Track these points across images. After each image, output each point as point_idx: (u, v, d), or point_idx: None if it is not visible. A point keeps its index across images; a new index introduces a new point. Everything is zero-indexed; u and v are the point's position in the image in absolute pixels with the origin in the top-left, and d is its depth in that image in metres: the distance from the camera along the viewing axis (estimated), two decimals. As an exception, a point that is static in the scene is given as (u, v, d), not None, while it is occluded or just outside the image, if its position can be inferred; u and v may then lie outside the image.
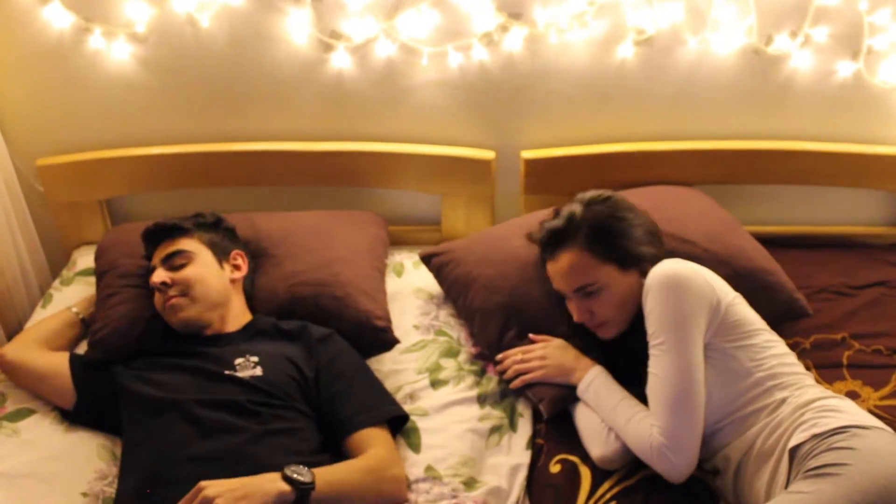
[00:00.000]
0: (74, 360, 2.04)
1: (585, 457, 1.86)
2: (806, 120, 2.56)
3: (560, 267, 1.88)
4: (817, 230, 2.67)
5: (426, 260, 2.34)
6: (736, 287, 1.90)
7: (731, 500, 1.78)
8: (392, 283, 2.41)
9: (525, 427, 2.01)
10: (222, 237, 2.16)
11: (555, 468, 1.85)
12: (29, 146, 2.55)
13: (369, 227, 2.47)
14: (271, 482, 1.63)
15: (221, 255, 2.12)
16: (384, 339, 2.17)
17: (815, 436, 1.62)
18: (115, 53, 2.42)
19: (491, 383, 2.09)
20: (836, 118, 2.56)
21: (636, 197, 2.38)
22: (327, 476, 1.69)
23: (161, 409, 1.84)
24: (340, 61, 2.44)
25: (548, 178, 2.54)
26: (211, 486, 1.58)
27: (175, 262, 2.03)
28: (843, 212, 2.71)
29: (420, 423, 1.97)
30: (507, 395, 2.06)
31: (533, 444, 1.96)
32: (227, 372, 1.89)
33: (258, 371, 1.89)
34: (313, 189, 2.62)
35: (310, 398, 1.91)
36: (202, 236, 2.11)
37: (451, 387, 2.06)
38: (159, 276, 2.01)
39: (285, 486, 1.62)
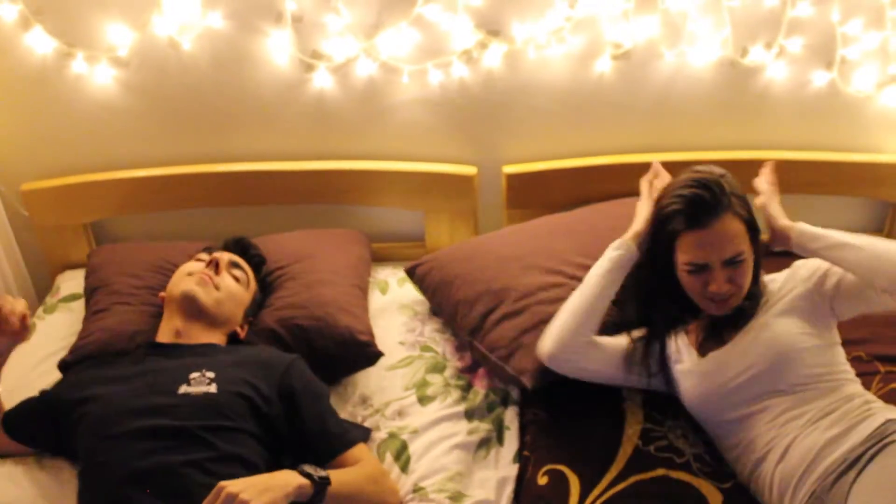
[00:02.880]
0: (8, 424, 1.96)
1: (572, 465, 1.87)
2: (783, 129, 2.60)
3: (717, 234, 1.79)
4: (797, 238, 2.70)
5: (410, 272, 2.38)
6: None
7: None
8: (377, 301, 2.43)
9: (512, 440, 2.02)
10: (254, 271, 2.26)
11: (542, 479, 1.86)
12: (13, 171, 2.56)
13: (352, 247, 2.49)
14: (290, 476, 1.66)
15: (246, 285, 2.18)
16: (368, 353, 2.17)
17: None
18: (98, 78, 2.43)
19: (478, 397, 2.10)
20: (812, 127, 2.60)
21: (619, 207, 2.42)
22: (339, 476, 1.73)
23: (108, 431, 1.78)
24: (322, 81, 2.46)
25: (530, 192, 2.56)
26: (231, 485, 1.58)
27: (232, 270, 2.15)
28: (822, 219, 2.68)
29: (409, 440, 1.98)
30: (494, 408, 2.08)
31: (520, 457, 1.97)
32: (180, 390, 1.83)
33: (212, 388, 1.84)
34: (297, 208, 2.64)
35: (262, 420, 1.85)
36: (252, 270, 2.24)
37: (439, 402, 2.08)
38: (223, 258, 2.13)
39: (304, 480, 1.65)
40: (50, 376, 2.16)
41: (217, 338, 2.07)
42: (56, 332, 2.35)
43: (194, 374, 1.87)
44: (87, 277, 2.39)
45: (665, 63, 2.48)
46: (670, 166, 2.53)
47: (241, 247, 2.25)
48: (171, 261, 2.36)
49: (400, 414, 2.05)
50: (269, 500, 1.57)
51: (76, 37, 2.37)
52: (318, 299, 2.22)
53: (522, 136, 2.58)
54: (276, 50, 2.41)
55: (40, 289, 2.68)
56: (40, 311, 2.47)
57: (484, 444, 1.99)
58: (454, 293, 2.23)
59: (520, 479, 1.93)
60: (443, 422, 2.03)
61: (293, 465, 1.71)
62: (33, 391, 2.03)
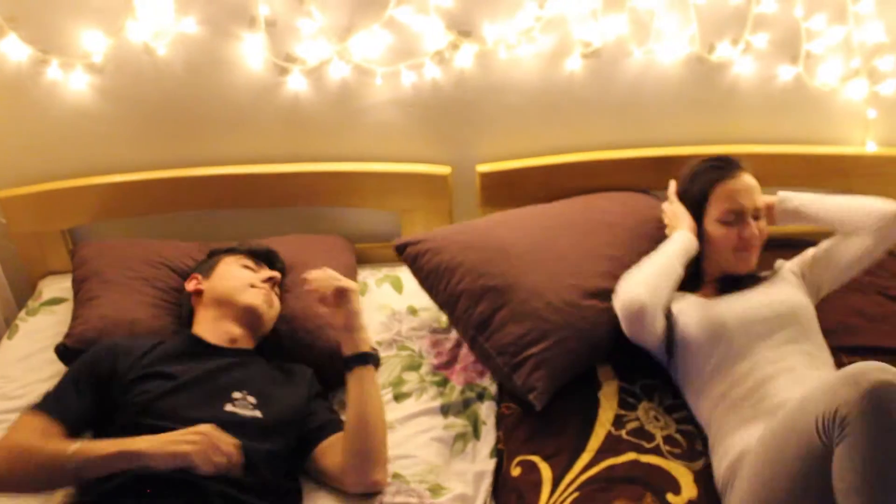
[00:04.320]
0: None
1: (543, 455, 1.91)
2: (751, 123, 2.65)
3: (746, 184, 2.10)
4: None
5: (400, 250, 2.35)
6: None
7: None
8: (355, 302, 2.45)
9: (488, 435, 2.05)
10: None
11: (515, 471, 1.89)
12: (-11, 179, 2.57)
13: (340, 255, 2.50)
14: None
15: (280, 298, 2.25)
16: None
17: None
18: (73, 84, 2.44)
19: (454, 393, 2.14)
20: (779, 121, 2.65)
21: (601, 200, 2.46)
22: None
23: (160, 422, 1.77)
24: (296, 84, 2.48)
25: (504, 189, 2.60)
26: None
27: (277, 287, 2.23)
28: None
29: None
30: (471, 404, 2.11)
31: (497, 451, 2.00)
32: (227, 408, 1.86)
33: (258, 413, 1.87)
34: (274, 210, 2.66)
35: (302, 427, 1.93)
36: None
37: (414, 399, 2.11)
38: (277, 276, 2.22)
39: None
40: (33, 374, 2.20)
41: (255, 343, 2.13)
42: (39, 333, 2.36)
43: (237, 395, 1.90)
44: (75, 269, 2.41)
45: (634, 60, 2.51)
46: (642, 162, 2.60)
47: (270, 258, 2.29)
48: (162, 255, 2.39)
49: (377, 411, 2.08)
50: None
51: (51, 44, 2.38)
52: (308, 312, 2.22)
53: (495, 135, 2.61)
54: (250, 54, 2.43)
55: (19, 295, 2.69)
56: (22, 313, 2.47)
57: (460, 437, 2.02)
58: (456, 283, 2.21)
59: (498, 472, 1.96)
60: (419, 416, 2.06)
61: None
62: (16, 388, 2.14)
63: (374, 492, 1.84)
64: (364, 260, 2.65)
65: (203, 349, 2.02)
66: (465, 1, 2.38)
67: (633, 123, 2.63)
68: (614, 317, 2.07)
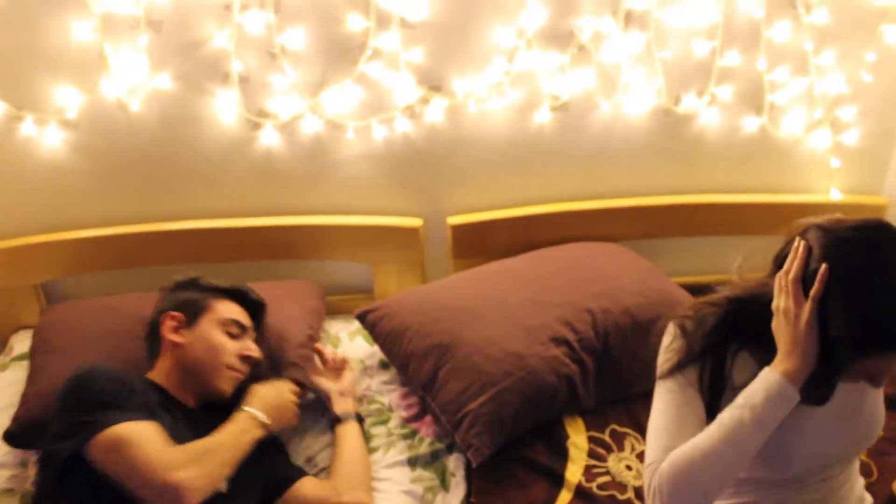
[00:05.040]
0: None
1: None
2: (717, 173, 2.69)
3: None
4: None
5: (361, 318, 2.39)
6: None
7: None
8: (329, 356, 2.45)
9: (458, 487, 2.04)
10: None
11: (487, 525, 1.89)
12: (-37, 234, 2.56)
13: (306, 300, 2.49)
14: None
15: None
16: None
17: None
18: (47, 140, 2.45)
19: (423, 444, 2.13)
20: (745, 171, 2.69)
21: (563, 252, 2.48)
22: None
23: None
24: (269, 138, 2.51)
25: (475, 241, 2.62)
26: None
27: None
28: (759, 260, 2.77)
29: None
30: (439, 456, 2.11)
31: (467, 503, 2.00)
32: None
33: (222, 486, 1.77)
34: (248, 264, 2.67)
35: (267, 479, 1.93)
36: None
37: (381, 454, 2.11)
38: (256, 356, 2.06)
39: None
40: (1, 429, 2.14)
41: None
42: (9, 388, 2.33)
43: None
44: (32, 339, 2.39)
45: (602, 113, 2.56)
46: (611, 212, 2.63)
47: (259, 318, 2.18)
48: (125, 311, 2.32)
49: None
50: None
51: (25, 100, 2.40)
52: (274, 358, 2.19)
53: (466, 188, 2.64)
54: (224, 109, 2.45)
55: (-9, 350, 2.67)
56: (-8, 369, 2.46)
57: (429, 490, 2.02)
58: (406, 344, 2.25)
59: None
60: (386, 469, 2.06)
61: None
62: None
63: None
64: (338, 312, 2.66)
65: (169, 402, 1.92)
66: (436, 56, 2.42)
67: (602, 175, 2.67)
68: (563, 364, 2.10)
